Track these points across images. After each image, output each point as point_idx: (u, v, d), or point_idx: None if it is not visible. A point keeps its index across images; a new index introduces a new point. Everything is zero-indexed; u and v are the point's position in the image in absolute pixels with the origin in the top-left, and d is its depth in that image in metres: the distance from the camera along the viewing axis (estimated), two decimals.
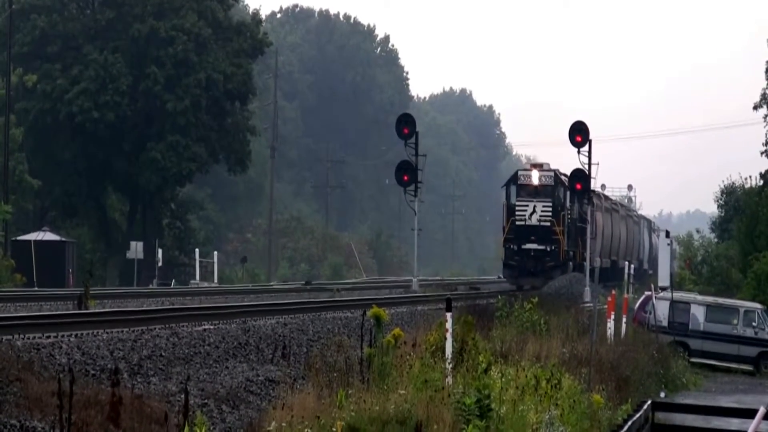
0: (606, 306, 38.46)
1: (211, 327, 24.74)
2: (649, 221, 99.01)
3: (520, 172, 59.17)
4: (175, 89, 72.84)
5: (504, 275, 61.33)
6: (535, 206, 57.01)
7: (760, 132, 72.67)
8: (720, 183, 79.61)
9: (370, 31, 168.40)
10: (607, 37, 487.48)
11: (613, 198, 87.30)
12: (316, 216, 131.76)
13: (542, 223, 56.84)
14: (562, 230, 56.58)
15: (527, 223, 56.92)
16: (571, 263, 58.53)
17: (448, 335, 20.55)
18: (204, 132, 74.44)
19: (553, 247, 56.62)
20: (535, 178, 57.30)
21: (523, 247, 56.89)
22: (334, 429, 15.44)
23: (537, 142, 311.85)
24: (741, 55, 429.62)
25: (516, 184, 57.92)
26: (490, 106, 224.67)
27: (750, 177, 72.74)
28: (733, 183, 77.98)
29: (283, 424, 15.72)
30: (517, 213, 57.19)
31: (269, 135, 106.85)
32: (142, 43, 73.98)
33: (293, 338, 24.46)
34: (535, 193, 57.35)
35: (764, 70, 72.91)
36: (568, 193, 57.51)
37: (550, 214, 56.92)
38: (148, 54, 73.85)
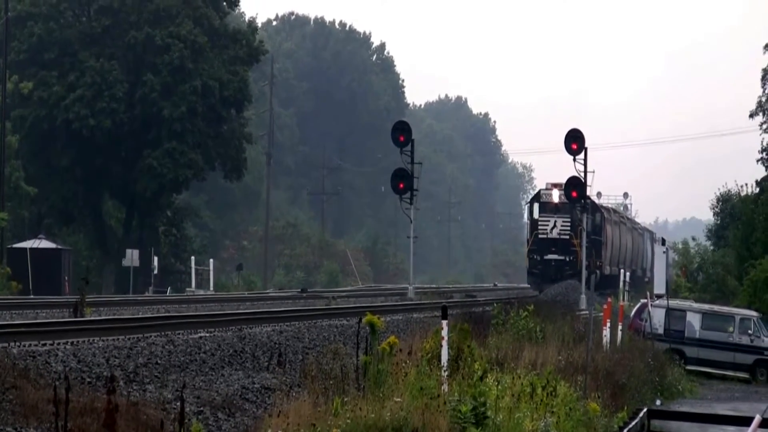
0: (602, 313, 38.47)
1: (207, 335, 24.75)
2: (651, 233, 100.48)
3: (542, 191, 66.50)
4: (171, 96, 72.85)
5: (528, 282, 69.01)
6: (555, 221, 64.73)
7: (756, 140, 72.91)
8: (716, 190, 79.77)
9: (365, 38, 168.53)
10: (605, 41, 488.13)
11: (609, 205, 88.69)
12: (312, 223, 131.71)
13: (562, 237, 64.54)
14: (580, 242, 60.73)
15: (549, 236, 64.70)
16: (587, 272, 61.07)
17: (444, 343, 20.54)
18: (200, 139, 74.43)
19: (571, 258, 63.84)
20: (555, 196, 64.32)
21: (545, 257, 64.76)
22: None
23: (533, 150, 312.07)
24: (740, 59, 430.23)
25: (539, 201, 65.86)
26: (486, 114, 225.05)
27: (746, 184, 72.85)
28: (729, 190, 78.06)
29: None
30: (539, 227, 64.95)
31: (265, 142, 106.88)
32: (139, 51, 74.02)
33: (289, 346, 24.46)
34: (556, 209, 64.76)
35: (760, 78, 73.19)
36: (584, 209, 61.28)
37: (569, 228, 64.20)
38: (144, 61, 73.90)
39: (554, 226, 64.88)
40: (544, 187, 68.38)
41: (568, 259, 64.28)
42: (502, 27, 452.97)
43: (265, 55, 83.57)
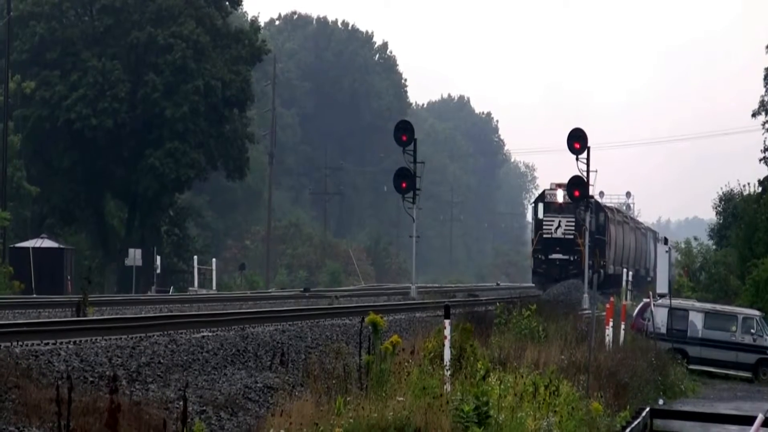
0: (604, 313, 38.47)
1: (210, 334, 24.75)
2: (654, 232, 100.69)
3: (546, 191, 66.92)
4: (173, 96, 72.87)
5: (532, 281, 69.68)
6: (560, 221, 65.34)
7: (759, 139, 72.83)
8: (718, 190, 79.75)
9: (368, 38, 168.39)
10: (608, 40, 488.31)
11: (612, 205, 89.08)
12: (315, 223, 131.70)
13: (566, 236, 65.17)
14: (583, 242, 61.51)
15: (553, 236, 65.32)
16: (590, 271, 61.46)
17: (447, 342, 20.54)
18: (202, 139, 74.47)
19: (575, 257, 64.44)
20: (559, 196, 64.80)
21: (550, 257, 65.54)
22: None
23: (535, 149, 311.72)
24: (743, 57, 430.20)
25: (543, 201, 66.55)
26: (489, 113, 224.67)
27: (748, 184, 72.85)
28: (731, 190, 78.01)
29: (282, 431, 15.72)
30: (544, 227, 65.62)
31: (267, 142, 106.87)
32: (141, 50, 74.04)
33: (291, 345, 24.46)
34: (560, 209, 65.33)
35: (763, 77, 73.12)
36: (589, 209, 61.68)
37: (573, 228, 64.72)
38: (146, 61, 73.93)
39: (559, 226, 65.47)
40: (547, 187, 68.75)
41: (572, 258, 64.90)
42: (505, 26, 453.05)
43: (267, 54, 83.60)
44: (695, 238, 76.32)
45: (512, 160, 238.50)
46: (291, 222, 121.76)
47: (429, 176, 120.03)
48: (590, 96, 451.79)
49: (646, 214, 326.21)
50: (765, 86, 73.28)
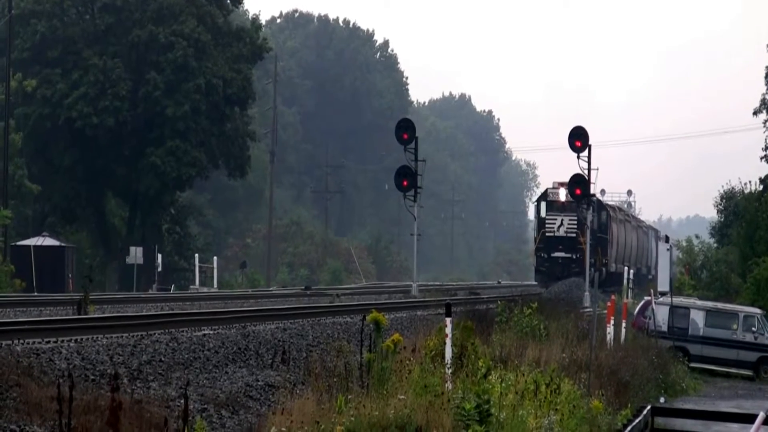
0: (605, 311, 38.45)
1: (211, 332, 24.75)
2: (655, 230, 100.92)
3: (549, 190, 67.13)
4: (174, 94, 72.85)
5: (535, 279, 70.23)
6: (562, 220, 65.90)
7: (760, 137, 72.75)
8: (720, 188, 79.70)
9: (369, 36, 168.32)
10: (610, 38, 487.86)
11: (614, 203, 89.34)
12: (316, 221, 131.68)
13: (569, 235, 65.65)
14: (585, 240, 62.13)
15: (556, 234, 65.87)
16: (592, 269, 62.31)
17: (448, 340, 20.54)
18: (204, 137, 74.46)
19: (578, 255, 64.72)
20: (562, 195, 65.23)
21: (552, 255, 66.04)
22: None
23: (537, 148, 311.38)
24: (743, 56, 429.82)
25: (546, 200, 67.06)
26: (490, 111, 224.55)
27: (749, 182, 72.78)
28: (732, 188, 77.98)
29: (283, 429, 15.71)
30: (546, 226, 66.08)
31: (269, 140, 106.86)
32: (142, 49, 74.04)
33: (293, 343, 24.45)
34: (562, 208, 65.83)
35: (764, 75, 73.01)
36: (591, 208, 62.27)
37: (575, 226, 65.14)
38: (147, 59, 73.92)
39: (561, 224, 65.93)
40: (549, 185, 68.96)
41: (574, 256, 65.28)
42: (506, 25, 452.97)
43: (268, 52, 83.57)
44: (696, 236, 76.23)
45: (513, 158, 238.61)
46: (292, 220, 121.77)
47: (430, 174, 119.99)
48: (591, 95, 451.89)
49: (648, 212, 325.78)
50: (766, 84, 73.19)
